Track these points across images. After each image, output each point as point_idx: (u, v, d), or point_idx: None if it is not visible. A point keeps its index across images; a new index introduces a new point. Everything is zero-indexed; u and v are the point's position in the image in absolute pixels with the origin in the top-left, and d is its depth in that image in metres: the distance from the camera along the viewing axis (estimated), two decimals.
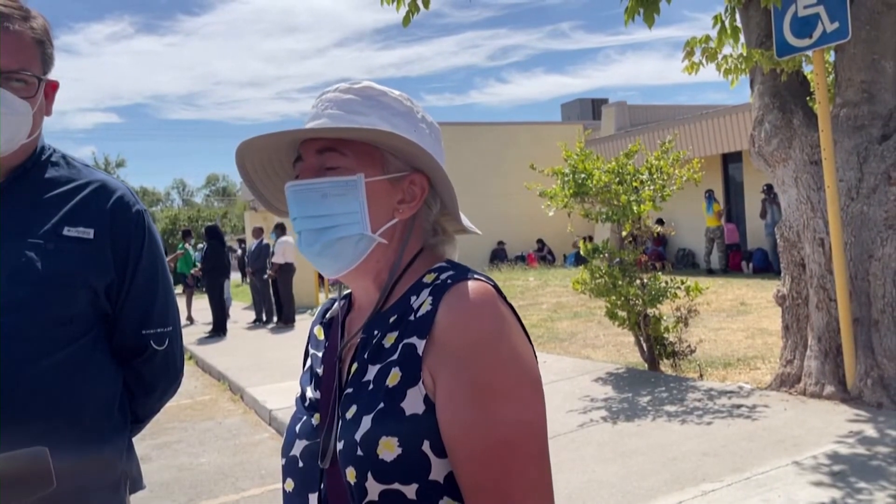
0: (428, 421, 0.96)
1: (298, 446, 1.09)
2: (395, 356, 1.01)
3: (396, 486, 0.95)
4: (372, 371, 1.02)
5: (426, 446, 0.96)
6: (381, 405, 0.98)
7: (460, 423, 0.95)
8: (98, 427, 1.47)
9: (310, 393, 1.13)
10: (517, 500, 0.95)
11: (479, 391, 0.95)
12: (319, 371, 1.13)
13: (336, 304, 1.21)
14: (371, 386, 1.01)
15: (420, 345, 0.99)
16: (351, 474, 0.97)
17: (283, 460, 1.11)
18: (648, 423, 5.25)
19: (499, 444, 0.94)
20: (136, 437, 1.66)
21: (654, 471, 4.31)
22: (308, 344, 1.25)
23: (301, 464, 1.07)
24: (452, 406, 0.95)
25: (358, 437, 0.98)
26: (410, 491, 0.95)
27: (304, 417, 1.11)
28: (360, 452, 0.97)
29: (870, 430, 4.68)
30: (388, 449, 0.95)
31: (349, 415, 1.01)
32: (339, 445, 1.00)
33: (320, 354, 1.16)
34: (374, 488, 0.96)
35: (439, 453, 0.96)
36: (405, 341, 1.01)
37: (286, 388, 7.28)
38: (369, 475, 0.95)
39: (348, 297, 1.20)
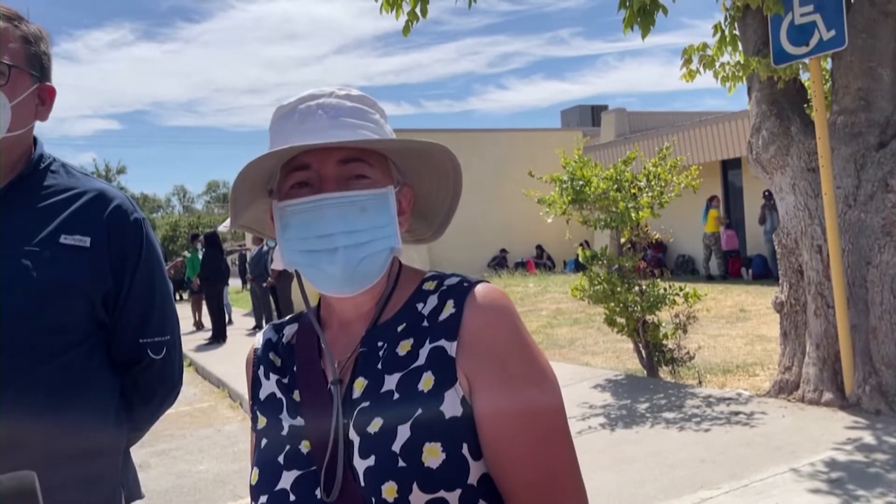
0: (466, 423, 0.97)
1: (287, 478, 1.01)
2: (421, 361, 1.00)
3: (441, 493, 0.93)
4: (391, 380, 1.00)
5: (465, 449, 0.96)
6: (419, 411, 0.96)
7: (508, 421, 0.97)
8: (94, 436, 1.46)
9: (287, 421, 1.07)
10: (564, 485, 0.99)
11: (520, 388, 0.98)
12: (294, 396, 1.08)
13: (288, 327, 1.19)
14: (396, 395, 0.99)
15: (450, 347, 0.99)
16: (390, 490, 0.93)
17: (264, 497, 1.02)
18: (647, 430, 5.26)
19: (546, 435, 0.99)
20: (135, 444, 1.66)
21: (652, 478, 4.31)
22: (257, 371, 1.17)
23: (293, 497, 1.00)
24: (497, 404, 0.97)
25: (397, 447, 0.94)
26: (454, 497, 0.94)
27: (288, 447, 1.04)
28: (402, 463, 0.93)
29: (868, 438, 4.68)
30: (433, 455, 0.94)
31: (373, 428, 0.97)
32: (368, 462, 0.95)
33: (287, 380, 1.11)
34: (418, 500, 0.93)
35: (475, 456, 0.97)
36: (431, 345, 1.00)
37: None
38: (414, 486, 0.92)
39: (314, 316, 1.15)
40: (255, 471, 1.07)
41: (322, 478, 0.99)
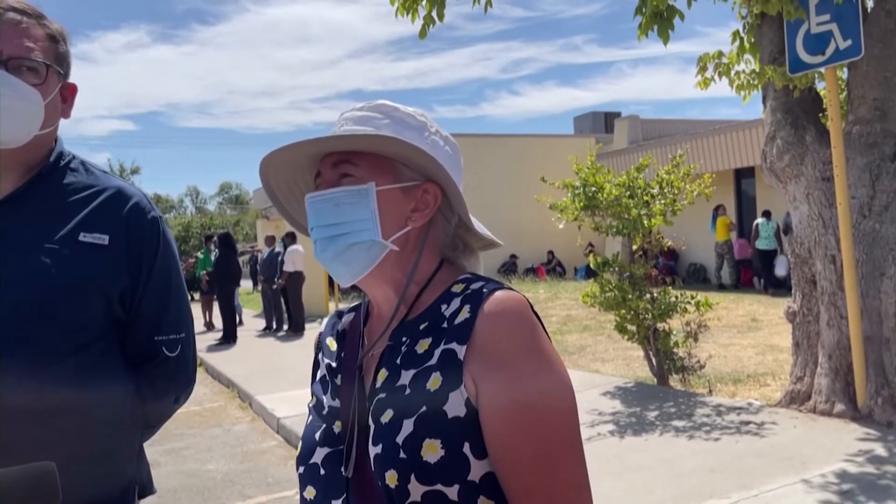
0: (469, 423, 1.00)
1: (320, 454, 1.10)
2: (434, 361, 1.04)
3: (439, 487, 0.98)
4: (406, 376, 1.05)
5: (467, 448, 0.99)
6: (424, 408, 1.01)
7: (509, 427, 0.99)
8: (109, 433, 1.47)
9: (328, 402, 1.15)
10: (566, 496, 1.00)
11: (526, 397, 0.99)
12: (337, 380, 1.16)
13: (346, 315, 1.25)
14: (408, 390, 1.03)
15: (460, 350, 1.02)
16: (392, 478, 0.98)
17: (302, 468, 1.12)
18: (656, 438, 5.24)
19: (547, 448, 0.99)
20: (148, 440, 1.67)
21: (661, 486, 4.29)
22: (318, 354, 1.27)
23: (323, 471, 1.09)
24: (500, 411, 0.99)
25: (400, 440, 1.00)
26: (452, 492, 0.98)
27: (324, 425, 1.13)
28: (402, 455, 0.99)
29: (879, 449, 4.65)
30: (432, 451, 0.98)
31: (385, 419, 1.03)
32: (377, 450, 1.01)
33: (335, 364, 1.18)
34: (416, 490, 0.98)
35: (478, 455, 1.00)
36: (444, 347, 1.04)
37: (295, 397, 7.30)
38: (412, 477, 0.97)
39: (365, 307, 1.23)
40: (301, 443, 1.16)
41: (344, 457, 1.07)
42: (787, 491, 4.07)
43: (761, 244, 15.13)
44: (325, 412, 1.15)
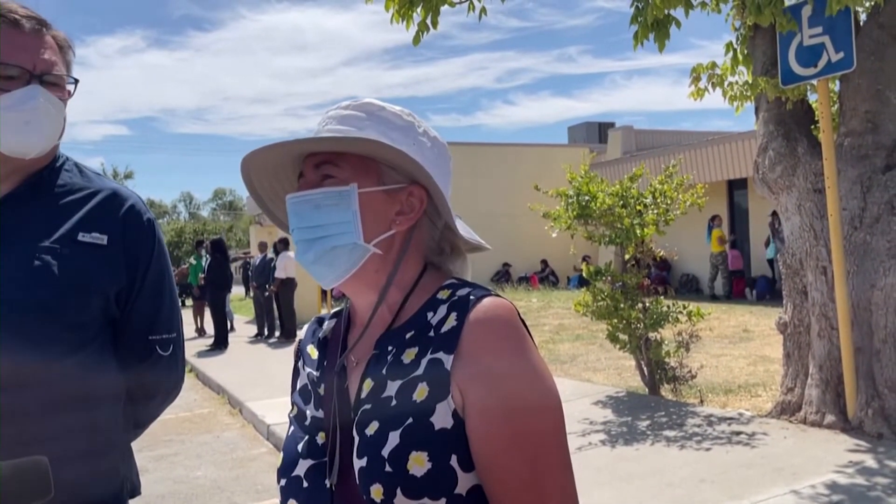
0: (456, 435, 0.97)
1: (302, 466, 1.07)
2: (420, 371, 1.01)
3: (426, 501, 0.95)
4: (392, 387, 1.02)
5: (454, 461, 0.97)
6: (410, 420, 0.98)
7: (496, 438, 0.96)
8: (105, 431, 1.49)
9: (311, 412, 1.12)
10: None
11: (513, 406, 0.97)
12: (321, 390, 1.12)
13: (328, 322, 1.21)
14: (394, 401, 1.01)
15: (447, 360, 0.99)
16: (377, 492, 0.96)
17: (283, 481, 1.09)
18: (647, 448, 5.23)
19: (534, 458, 0.97)
20: (133, 447, 1.67)
21: (651, 496, 4.29)
22: (298, 362, 1.23)
23: (306, 483, 1.06)
24: (487, 422, 0.96)
25: (385, 452, 0.97)
26: None
27: (307, 437, 1.09)
28: (388, 468, 0.96)
29: (869, 461, 4.65)
30: (419, 464, 0.95)
31: (370, 431, 1.00)
32: (361, 463, 0.98)
33: (317, 374, 1.14)
34: None
35: (466, 468, 0.97)
36: (431, 356, 1.01)
37: (285, 403, 7.20)
38: (398, 491, 0.95)
39: (346, 314, 1.19)
40: (282, 455, 1.13)
41: (328, 468, 1.04)
42: (777, 502, 4.07)
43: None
44: (307, 423, 1.12)
